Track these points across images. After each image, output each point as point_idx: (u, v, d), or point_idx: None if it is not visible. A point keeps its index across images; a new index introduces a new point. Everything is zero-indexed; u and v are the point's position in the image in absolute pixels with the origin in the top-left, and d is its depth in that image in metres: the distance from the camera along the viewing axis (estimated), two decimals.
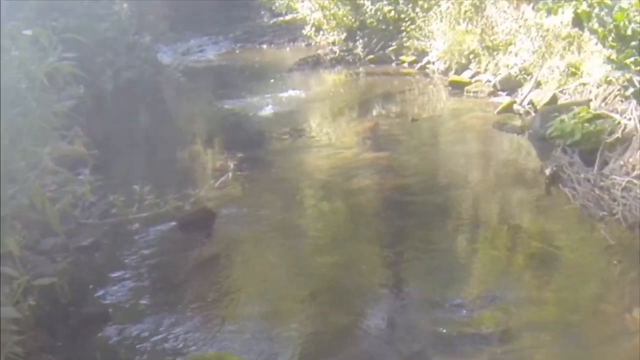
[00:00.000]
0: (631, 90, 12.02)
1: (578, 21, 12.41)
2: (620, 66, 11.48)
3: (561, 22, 17.03)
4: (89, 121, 13.81)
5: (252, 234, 11.59)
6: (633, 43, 11.17)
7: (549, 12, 14.96)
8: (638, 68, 11.21)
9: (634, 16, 11.30)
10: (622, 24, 11.38)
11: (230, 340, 8.84)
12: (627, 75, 11.79)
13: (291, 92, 18.79)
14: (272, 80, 19.38)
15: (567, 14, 15.03)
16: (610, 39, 11.91)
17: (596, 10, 11.94)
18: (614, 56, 11.70)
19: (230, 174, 12.81)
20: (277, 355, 8.55)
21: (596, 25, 12.06)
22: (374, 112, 16.70)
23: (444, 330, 8.86)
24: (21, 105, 7.71)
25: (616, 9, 11.45)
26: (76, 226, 10.81)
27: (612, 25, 11.62)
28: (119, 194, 10.67)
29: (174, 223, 11.51)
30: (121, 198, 10.61)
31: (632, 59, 11.11)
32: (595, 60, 15.66)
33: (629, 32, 11.29)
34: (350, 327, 9.15)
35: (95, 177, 9.82)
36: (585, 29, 12.70)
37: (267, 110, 17.65)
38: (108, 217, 10.97)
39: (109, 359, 8.53)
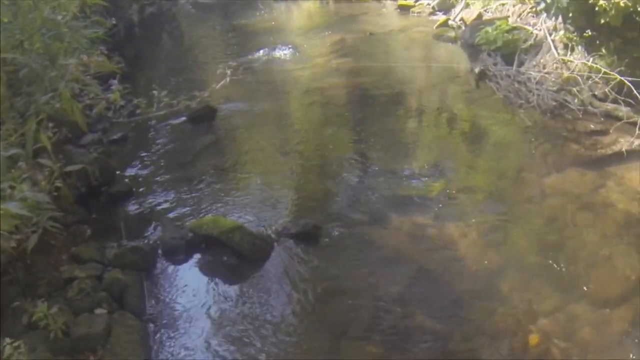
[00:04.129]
0: (542, 5, 11.53)
1: None
2: None
3: None
4: (122, 45, 13.83)
5: (246, 123, 11.13)
6: None
7: None
8: None
9: None
10: None
11: (228, 206, 8.51)
12: None
13: (276, 15, 18.16)
14: (261, 6, 18.71)
15: None
16: None
17: None
18: None
19: (227, 79, 12.19)
20: (266, 217, 8.21)
21: None
22: (340, 30, 16.01)
23: (397, 194, 8.52)
24: (56, 32, 7.51)
25: None
26: (109, 124, 10.60)
27: None
28: (142, 98, 10.08)
29: (184, 118, 11.08)
30: (144, 101, 10.07)
31: None
32: None
33: None
34: (325, 193, 8.81)
35: (123, 85, 9.29)
36: None
37: (257, 29, 16.95)
38: (134, 116, 10.44)
39: (131, 226, 8.10)
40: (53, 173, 6.89)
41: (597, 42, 10.85)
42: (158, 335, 6.36)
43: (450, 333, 6.22)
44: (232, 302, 6.79)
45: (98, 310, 6.30)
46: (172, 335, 6.36)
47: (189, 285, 7.04)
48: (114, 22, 13.41)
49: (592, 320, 6.35)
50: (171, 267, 7.38)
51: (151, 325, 6.48)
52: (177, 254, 7.49)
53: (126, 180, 9.23)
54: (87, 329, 5.98)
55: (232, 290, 6.99)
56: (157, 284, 7.12)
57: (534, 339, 6.11)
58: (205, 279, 7.18)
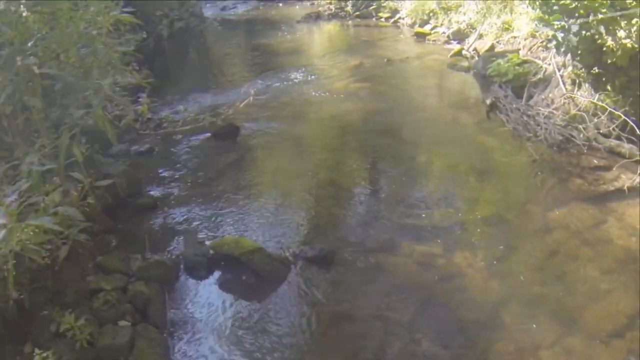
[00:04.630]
0: (553, 43, 11.61)
1: None
2: (546, 24, 11.04)
3: None
4: (151, 59, 14.04)
5: (267, 143, 11.23)
6: (555, 7, 10.57)
7: None
8: (558, 26, 10.65)
9: None
10: None
11: (247, 225, 8.57)
12: (551, 32, 11.28)
13: (298, 36, 18.24)
14: (283, 28, 18.82)
15: None
16: (537, 2, 11.40)
17: None
18: (543, 16, 11.01)
19: (251, 98, 12.44)
20: (284, 239, 8.24)
21: None
22: (359, 54, 16.11)
23: (408, 222, 8.55)
24: (91, 47, 7.62)
25: None
26: (137, 136, 10.66)
27: None
28: (169, 112, 10.28)
29: (208, 134, 11.12)
30: (170, 115, 10.28)
31: (558, 23, 10.63)
32: (523, 20, 15.12)
33: None
34: (340, 218, 8.86)
35: (151, 99, 9.76)
36: None
37: (280, 49, 17.07)
38: (160, 129, 10.61)
39: (155, 238, 8.17)
40: (84, 187, 6.97)
41: (604, 79, 10.90)
42: (178, 348, 6.41)
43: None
44: (249, 319, 6.82)
45: (122, 322, 6.36)
46: (191, 349, 6.40)
47: (209, 301, 7.10)
48: (144, 36, 13.74)
49: (588, 354, 6.35)
50: (192, 283, 7.44)
51: (172, 338, 6.53)
52: (199, 270, 7.56)
53: (151, 193, 9.28)
54: (111, 340, 6.04)
55: (249, 308, 7.03)
56: (179, 298, 7.17)
57: None
58: (224, 295, 7.22)
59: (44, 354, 5.44)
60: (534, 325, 6.68)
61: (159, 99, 11.30)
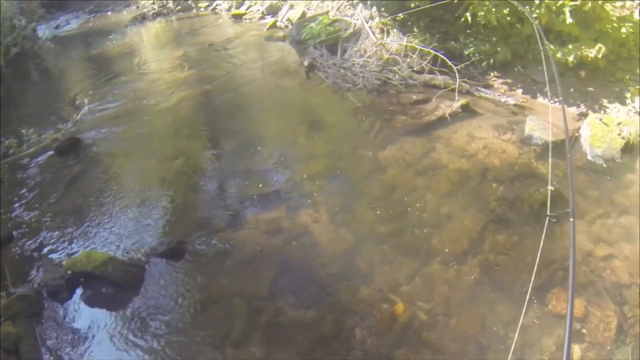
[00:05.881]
0: None
1: None
2: None
3: None
4: None
5: (108, 148, 10.04)
6: None
7: None
8: None
9: None
10: None
11: (98, 236, 7.53)
12: None
13: (128, 40, 17.12)
14: (113, 34, 17.64)
15: None
16: None
17: None
18: None
19: (86, 108, 11.47)
20: (135, 241, 7.30)
21: None
22: (183, 45, 15.25)
23: (250, 193, 7.77)
24: None
25: None
26: None
27: None
28: (13, 138, 9.70)
29: (51, 152, 9.91)
30: (14, 141, 9.64)
31: None
32: None
33: None
34: (186, 205, 7.93)
35: None
36: None
37: (111, 54, 15.91)
38: (8, 157, 9.69)
39: (15, 271, 7.10)
40: None
41: (409, 23, 10.80)
42: None
43: (321, 318, 5.67)
44: (118, 329, 5.98)
45: None
46: None
47: (76, 323, 6.21)
48: None
49: (446, 277, 5.96)
50: (57, 308, 6.44)
51: None
52: (60, 293, 6.59)
53: (7, 225, 8.10)
54: None
55: (115, 318, 6.16)
56: (49, 327, 6.20)
57: (399, 307, 5.64)
58: (89, 312, 6.33)
59: None
60: (390, 264, 6.21)
61: (2, 126, 10.43)
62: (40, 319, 6.32)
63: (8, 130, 10.20)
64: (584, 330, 5.29)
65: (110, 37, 17.63)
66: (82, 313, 6.34)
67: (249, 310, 5.86)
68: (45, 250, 7.45)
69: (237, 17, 17.13)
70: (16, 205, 8.62)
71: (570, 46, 8.86)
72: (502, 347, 5.13)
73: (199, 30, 16.70)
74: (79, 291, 6.63)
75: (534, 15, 8.65)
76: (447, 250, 6.25)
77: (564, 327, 5.19)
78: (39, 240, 7.66)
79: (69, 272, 6.75)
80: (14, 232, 7.90)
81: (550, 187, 5.13)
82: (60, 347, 5.93)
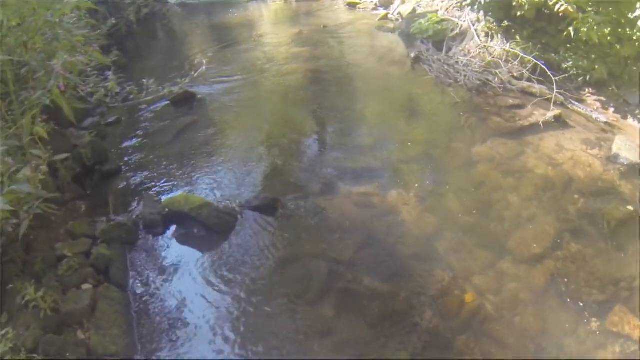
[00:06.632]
0: (467, 2, 11.56)
1: None
2: None
3: None
4: (122, 40, 13.85)
5: (219, 105, 10.38)
6: None
7: None
8: None
9: None
10: None
11: (199, 181, 7.86)
12: None
13: (249, 14, 17.40)
14: (235, 7, 17.98)
15: None
16: None
17: None
18: None
19: (204, 67, 11.94)
20: (232, 191, 7.57)
21: None
22: (299, 24, 15.45)
23: (346, 166, 7.94)
24: (53, 33, 7.12)
25: None
26: (107, 109, 9.92)
27: None
28: (135, 86, 9.90)
29: (167, 102, 10.31)
30: (135, 88, 9.86)
31: None
32: None
33: None
34: (284, 168, 8.12)
35: (119, 75, 9.49)
36: None
37: (232, 25, 16.25)
38: (127, 101, 10.05)
39: (118, 201, 7.42)
40: (44, 162, 6.26)
41: (513, 31, 10.67)
42: (138, 304, 5.81)
43: (395, 294, 5.77)
44: (203, 269, 6.25)
45: (85, 286, 5.73)
46: (150, 303, 5.83)
47: (166, 256, 6.50)
48: (114, 22, 13.74)
49: (517, 275, 5.97)
50: (151, 240, 6.77)
51: (133, 295, 5.92)
52: (156, 227, 6.89)
53: (116, 160, 8.52)
54: (74, 305, 5.41)
55: (203, 259, 6.43)
56: (139, 257, 6.53)
57: (469, 296, 5.70)
58: (179, 249, 6.61)
59: (2, 331, 4.90)
60: (467, 254, 6.27)
61: (127, 75, 10.70)
62: (133, 248, 6.65)
63: (132, 78, 10.55)
64: None
65: (232, 10, 17.96)
66: (172, 249, 6.64)
67: (328, 273, 6.03)
68: (148, 186, 7.80)
69: (352, 6, 17.12)
70: (129, 143, 9.07)
71: None
72: (558, 353, 5.12)
73: (315, 12, 16.84)
74: (172, 228, 6.93)
75: (634, 37, 8.42)
76: (522, 250, 6.25)
77: (620, 345, 5.21)
78: (143, 177, 8.04)
79: (167, 209, 7.05)
80: (123, 167, 8.30)
81: (630, 207, 5.07)
82: (147, 276, 6.23)
